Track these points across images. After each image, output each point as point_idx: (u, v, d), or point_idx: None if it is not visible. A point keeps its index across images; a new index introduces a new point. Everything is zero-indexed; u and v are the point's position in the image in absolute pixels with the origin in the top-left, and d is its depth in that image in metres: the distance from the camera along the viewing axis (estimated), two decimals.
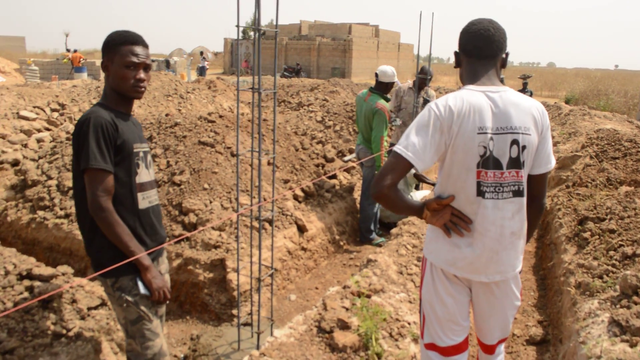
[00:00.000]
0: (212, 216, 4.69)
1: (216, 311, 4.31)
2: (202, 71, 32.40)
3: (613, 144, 8.44)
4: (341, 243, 6.07)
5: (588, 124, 11.69)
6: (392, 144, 6.89)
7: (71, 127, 9.24)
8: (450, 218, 2.26)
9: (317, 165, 6.52)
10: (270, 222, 5.11)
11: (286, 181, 5.87)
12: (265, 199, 5.28)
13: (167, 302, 2.81)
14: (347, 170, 7.16)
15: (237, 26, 3.25)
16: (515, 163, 2.18)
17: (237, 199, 3.48)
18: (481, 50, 2.23)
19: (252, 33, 49.51)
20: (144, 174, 2.63)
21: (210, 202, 4.89)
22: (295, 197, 5.80)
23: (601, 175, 7.11)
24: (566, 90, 31.21)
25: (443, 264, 2.33)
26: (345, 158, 7.75)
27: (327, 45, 41.40)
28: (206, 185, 5.03)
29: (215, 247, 4.48)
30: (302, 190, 5.94)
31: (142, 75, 2.50)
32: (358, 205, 6.78)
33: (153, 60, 37.69)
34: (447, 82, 45.08)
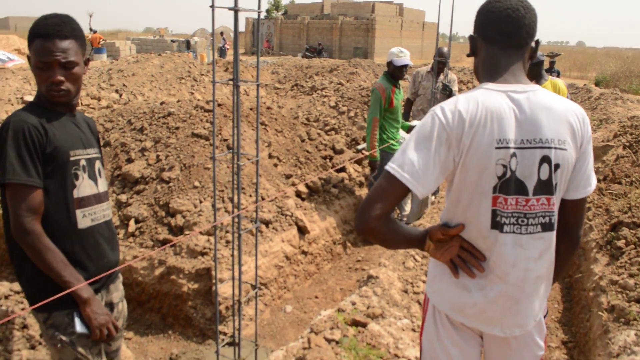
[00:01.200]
0: (200, 219, 4.25)
1: (201, 326, 3.89)
2: (222, 52, 31.94)
3: None
4: (348, 244, 5.60)
5: (620, 110, 10.95)
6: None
7: None
8: (459, 253, 1.77)
9: (325, 158, 6.03)
10: (267, 223, 4.66)
11: (288, 176, 5.40)
12: (263, 198, 4.83)
13: (116, 339, 2.37)
14: (358, 162, 6.65)
15: (212, 7, 2.76)
16: (546, 187, 1.67)
17: (214, 208, 3.02)
18: (507, 37, 1.70)
19: (274, 12, 48.89)
20: (86, 187, 2.17)
21: (200, 202, 4.45)
22: (298, 194, 5.33)
23: (637, 170, 6.49)
24: (596, 71, 30.03)
25: (448, 309, 1.82)
26: (359, 147, 7.24)
27: (349, 25, 40.53)
28: (197, 183, 4.58)
29: (202, 254, 4.04)
30: (306, 185, 5.47)
31: (58, 77, 2.01)
32: None
33: (173, 41, 37.40)
34: (472, 62, 43.89)
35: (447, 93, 6.85)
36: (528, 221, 1.69)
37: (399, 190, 1.65)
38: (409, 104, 6.92)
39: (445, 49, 7.11)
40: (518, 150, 1.63)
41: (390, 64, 5.56)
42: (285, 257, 4.58)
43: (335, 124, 8.64)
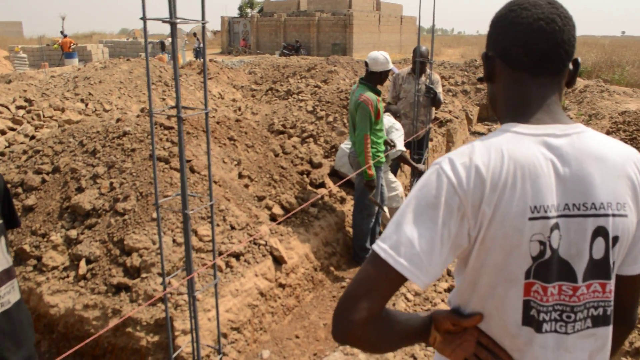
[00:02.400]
0: (158, 258, 3.71)
1: None
2: (197, 53, 31.18)
3: None
4: (331, 268, 5.08)
5: (609, 104, 10.58)
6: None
7: (30, 129, 8.25)
8: (476, 351, 1.26)
9: (302, 173, 5.51)
10: (238, 256, 4.13)
11: (261, 198, 4.86)
12: (233, 227, 4.29)
13: None
14: (339, 176, 6.14)
15: (144, 19, 2.22)
16: (600, 269, 1.18)
17: (163, 276, 2.48)
18: (540, 59, 1.20)
19: (249, 10, 48.20)
20: None
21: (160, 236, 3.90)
22: (273, 217, 4.81)
23: None
24: None
25: None
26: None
27: (326, 21, 39.96)
28: (154, 214, 4.03)
29: (162, 300, 3.50)
30: (282, 207, 4.95)
31: None
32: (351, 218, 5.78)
33: (149, 42, 36.58)
34: (452, 55, 43.62)
35: (431, 96, 6.36)
36: (576, 316, 1.19)
37: (393, 282, 1.14)
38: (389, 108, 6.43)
39: (425, 48, 6.62)
40: (562, 219, 1.13)
41: (374, 73, 5.01)
42: (260, 293, 4.05)
43: (313, 130, 8.11)
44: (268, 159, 5.35)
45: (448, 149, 11.13)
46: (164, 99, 12.74)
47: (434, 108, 6.97)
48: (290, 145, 5.69)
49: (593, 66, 22.62)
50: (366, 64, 5.07)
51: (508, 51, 1.23)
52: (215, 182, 4.55)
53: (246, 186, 4.88)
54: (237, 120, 5.60)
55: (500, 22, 1.25)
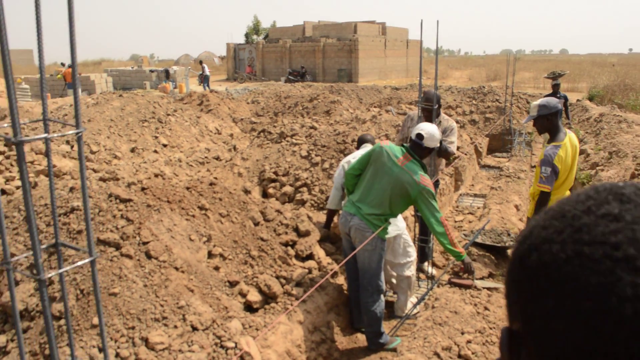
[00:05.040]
0: None
1: None
2: (205, 80, 30.74)
3: None
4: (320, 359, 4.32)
5: (629, 139, 9.78)
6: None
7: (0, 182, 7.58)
8: None
9: (286, 245, 4.76)
10: None
11: (234, 283, 4.12)
12: (195, 329, 3.54)
13: None
14: (332, 240, 5.40)
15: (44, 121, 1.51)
16: None
17: None
18: None
19: (255, 36, 48.19)
20: None
21: (100, 350, 3.17)
22: (248, 307, 4.07)
23: None
24: (586, 83, 29.09)
25: None
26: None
27: (332, 46, 39.55)
28: (96, 320, 3.31)
29: None
30: (260, 290, 4.21)
31: None
32: (345, 293, 5.02)
33: (152, 71, 36.25)
34: (460, 79, 43.05)
35: (443, 149, 5.61)
36: None
37: None
38: None
39: (432, 91, 5.90)
40: None
41: (427, 149, 4.43)
42: None
43: (307, 178, 7.41)
44: (246, 229, 4.62)
45: (457, 188, 10.37)
46: (156, 137, 12.12)
47: (444, 160, 6.24)
48: (273, 210, 4.95)
49: (605, 90, 21.85)
50: (420, 136, 4.37)
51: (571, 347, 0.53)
52: (177, 269, 3.82)
53: (216, 268, 4.14)
54: (212, 184, 4.88)
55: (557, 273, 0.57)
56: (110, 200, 4.14)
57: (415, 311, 5.03)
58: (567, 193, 4.92)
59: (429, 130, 4.38)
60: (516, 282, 0.61)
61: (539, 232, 0.59)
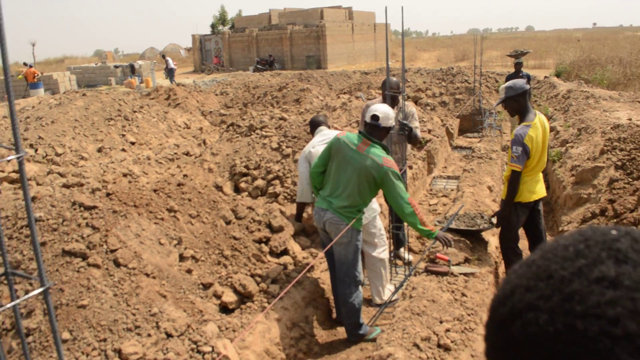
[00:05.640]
0: None
1: None
2: (171, 73, 30.24)
3: None
4: (300, 356, 4.27)
5: (597, 114, 9.89)
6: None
7: None
8: None
9: (259, 242, 4.69)
10: None
11: (207, 286, 4.03)
12: (170, 335, 3.45)
13: None
14: (307, 233, 5.34)
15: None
16: None
17: None
18: None
19: (221, 27, 47.55)
20: None
21: None
22: (224, 308, 3.99)
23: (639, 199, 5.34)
24: (553, 59, 29.39)
25: None
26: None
27: (299, 33, 39.25)
28: (67, 335, 3.20)
29: None
30: (235, 290, 4.13)
31: None
32: (323, 286, 4.97)
33: (117, 66, 35.53)
34: (428, 60, 43.14)
35: (406, 132, 5.58)
36: None
37: None
38: None
39: (395, 80, 5.86)
40: None
41: (384, 129, 4.34)
42: None
43: (279, 170, 7.33)
44: (217, 229, 4.52)
45: (430, 171, 10.38)
46: (123, 135, 11.87)
47: (410, 145, 6.21)
48: (245, 207, 4.86)
49: (572, 65, 22.11)
50: (375, 117, 4.29)
51: None
52: (148, 275, 3.72)
53: (189, 271, 4.05)
54: (180, 185, 4.76)
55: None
56: (74, 209, 4.00)
57: (394, 298, 5.01)
58: (540, 176, 4.93)
59: (382, 110, 4.34)
60: (497, 349, 0.53)
61: (522, 295, 0.50)
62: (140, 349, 3.28)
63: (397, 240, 6.11)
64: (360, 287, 4.48)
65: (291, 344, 4.22)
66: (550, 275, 0.49)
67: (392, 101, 5.64)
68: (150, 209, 4.30)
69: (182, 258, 4.12)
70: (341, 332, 4.75)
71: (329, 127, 5.49)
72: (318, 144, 5.10)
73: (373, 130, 4.32)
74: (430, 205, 8.67)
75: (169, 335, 3.46)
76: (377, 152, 4.19)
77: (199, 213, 4.54)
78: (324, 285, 5.05)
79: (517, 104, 4.73)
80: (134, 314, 3.45)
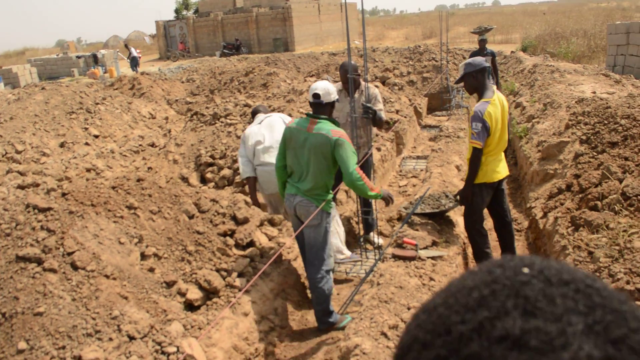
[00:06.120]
0: None
1: None
2: (134, 62, 29.61)
3: (606, 122, 6.69)
4: (269, 349, 4.22)
5: (562, 88, 9.96)
6: None
7: None
8: None
9: (224, 235, 4.60)
10: None
11: (171, 284, 3.94)
12: (132, 338, 3.36)
13: None
14: (272, 223, 5.26)
15: None
16: None
17: None
18: None
19: (185, 12, 46.67)
20: None
21: None
22: (189, 305, 3.91)
23: (605, 177, 5.37)
24: (520, 34, 29.57)
25: None
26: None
27: (265, 16, 38.75)
28: (23, 345, 3.08)
29: None
30: (200, 286, 4.05)
31: None
32: (293, 276, 4.92)
33: (79, 57, 34.66)
34: (396, 38, 43.06)
35: (370, 116, 5.51)
36: None
37: None
38: None
39: (354, 63, 5.79)
40: None
41: (328, 104, 4.44)
42: None
43: None
44: (180, 224, 4.42)
45: (399, 152, 10.36)
46: (86, 129, 11.57)
47: (375, 128, 6.15)
48: (208, 200, 4.76)
49: (537, 39, 22.26)
50: (316, 95, 4.37)
51: None
52: (108, 277, 3.61)
53: (151, 270, 3.95)
54: (139, 180, 4.63)
55: None
56: (28, 211, 3.85)
57: (368, 277, 4.96)
58: (502, 155, 4.92)
59: (321, 86, 4.44)
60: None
61: (418, 353, 0.43)
62: (102, 354, 3.19)
63: (367, 225, 6.09)
64: (330, 273, 4.46)
65: (260, 338, 4.17)
66: (448, 330, 0.42)
67: (354, 85, 5.57)
68: (109, 207, 4.17)
69: (143, 256, 4.01)
70: (312, 321, 4.71)
71: (265, 112, 5.94)
72: (253, 126, 5.66)
73: (318, 109, 4.40)
74: (400, 187, 8.65)
75: (131, 338, 3.37)
76: (325, 127, 4.28)
77: (160, 209, 4.43)
78: (296, 274, 5.00)
79: (476, 81, 4.71)
80: (93, 318, 3.34)
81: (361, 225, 6.08)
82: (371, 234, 6.12)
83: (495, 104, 4.65)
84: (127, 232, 4.06)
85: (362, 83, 5.73)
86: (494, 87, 4.84)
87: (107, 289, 3.53)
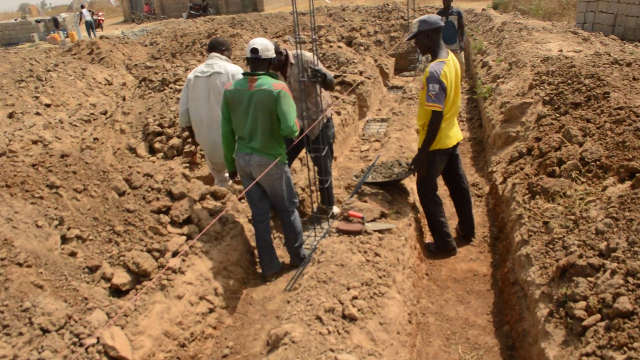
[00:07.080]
0: None
1: None
2: (91, 26, 28.50)
3: (570, 82, 6.44)
4: (207, 332, 3.97)
5: (529, 47, 9.67)
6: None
7: None
8: None
9: (158, 212, 4.28)
10: None
11: (94, 269, 3.64)
12: (47, 331, 3.07)
13: None
14: (215, 196, 4.96)
15: None
16: None
17: None
18: None
19: None
20: None
21: None
22: (116, 291, 3.62)
23: (565, 141, 5.15)
24: None
25: None
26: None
27: None
28: None
29: None
30: (128, 269, 3.76)
31: None
32: (235, 252, 4.64)
33: (38, 21, 33.31)
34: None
35: (319, 80, 5.16)
36: None
37: None
38: None
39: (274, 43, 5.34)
40: None
41: (266, 60, 4.44)
42: None
43: None
44: (108, 202, 4.09)
45: (363, 115, 10.04)
46: (36, 97, 11.00)
47: (327, 92, 5.81)
48: (141, 175, 4.42)
49: None
50: (255, 51, 4.33)
51: None
52: (21, 264, 3.30)
53: (73, 254, 3.64)
54: (64, 156, 4.26)
55: None
56: None
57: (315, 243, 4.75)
58: (455, 120, 4.65)
59: (259, 42, 4.40)
60: None
61: None
62: (10, 351, 2.90)
63: (323, 194, 5.84)
64: (296, 208, 4.87)
65: (197, 321, 3.91)
66: None
67: (278, 63, 5.20)
68: (26, 188, 3.82)
69: (64, 240, 3.69)
70: (257, 300, 4.48)
71: (222, 54, 5.32)
72: (197, 72, 5.18)
73: (256, 64, 4.39)
74: (362, 151, 8.37)
75: (45, 331, 3.08)
76: (265, 82, 4.30)
77: (86, 186, 4.08)
78: (239, 251, 4.73)
79: (430, 40, 4.40)
80: (2, 312, 3.04)
81: (317, 194, 5.86)
82: (334, 207, 5.89)
83: (450, 65, 4.36)
84: (47, 214, 3.73)
85: (290, 55, 5.33)
86: (458, 49, 4.54)
87: (18, 279, 3.22)
